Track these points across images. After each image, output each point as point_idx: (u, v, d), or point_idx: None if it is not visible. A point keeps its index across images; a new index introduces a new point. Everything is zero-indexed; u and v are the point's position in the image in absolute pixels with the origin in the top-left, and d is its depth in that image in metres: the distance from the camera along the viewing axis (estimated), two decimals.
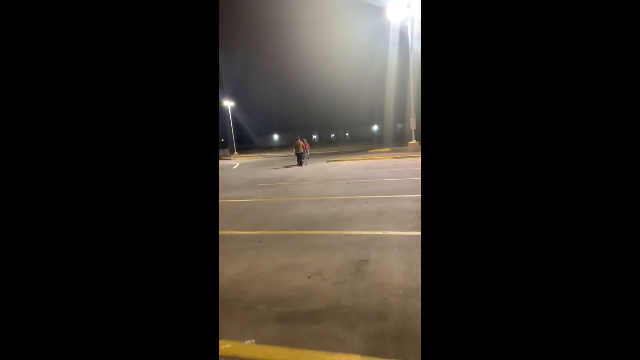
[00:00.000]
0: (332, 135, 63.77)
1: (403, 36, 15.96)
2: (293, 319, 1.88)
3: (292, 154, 14.44)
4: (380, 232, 3.36)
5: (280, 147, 49.04)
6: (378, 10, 14.91)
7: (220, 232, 3.78)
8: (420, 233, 3.15)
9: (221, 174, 11.78)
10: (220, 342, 1.70)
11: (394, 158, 12.44)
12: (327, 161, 13.99)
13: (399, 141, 26.28)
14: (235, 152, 27.75)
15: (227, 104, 28.48)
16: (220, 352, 1.62)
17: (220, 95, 30.08)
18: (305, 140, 12.78)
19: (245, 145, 52.48)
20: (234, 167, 15.49)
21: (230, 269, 2.68)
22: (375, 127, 59.61)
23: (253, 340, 1.70)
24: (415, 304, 1.92)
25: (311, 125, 66.57)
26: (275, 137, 67.92)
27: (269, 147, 50.77)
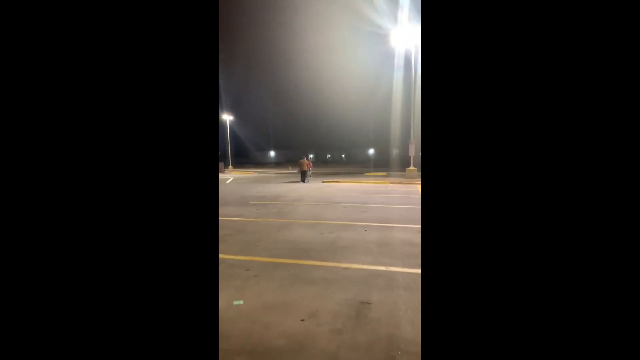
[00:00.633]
0: (328, 156, 64.06)
1: (404, 63, 16.30)
2: None
3: (288, 171, 16.82)
4: (383, 268, 3.02)
5: (276, 164, 48.86)
6: (381, 38, 15.27)
7: None
8: None
9: None
10: None
11: (391, 183, 12.24)
12: (323, 182, 13.72)
13: (394, 166, 26.31)
14: (230, 167, 27.36)
15: (226, 117, 28.44)
16: None
17: (219, 109, 30.09)
18: (309, 160, 14.11)
19: (241, 159, 52.21)
20: (227, 181, 15.11)
21: None
22: (371, 151, 60.17)
23: None
24: None
25: (308, 144, 66.96)
26: (272, 153, 67.98)
27: (264, 163, 50.52)
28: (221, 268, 3.06)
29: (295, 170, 14.73)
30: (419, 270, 2.96)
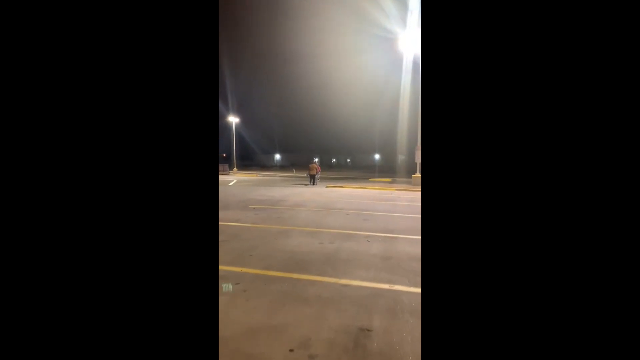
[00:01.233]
0: (334, 160, 63.74)
1: (412, 68, 16.03)
2: None
3: (293, 174, 17.74)
4: (386, 286, 2.73)
5: (280, 167, 48.70)
6: (389, 42, 15.05)
7: None
8: None
9: None
10: None
11: (396, 190, 11.91)
12: (327, 186, 13.45)
13: (400, 173, 25.96)
14: (235, 169, 27.24)
15: (232, 120, 28.39)
16: None
17: (225, 112, 30.07)
18: (317, 164, 15.42)
19: (246, 162, 52.16)
20: (230, 183, 14.92)
21: None
22: (377, 156, 59.79)
23: None
24: None
25: (313, 148, 66.81)
26: (277, 156, 67.98)
27: (269, 166, 50.41)
28: None
29: (300, 174, 16.14)
30: None
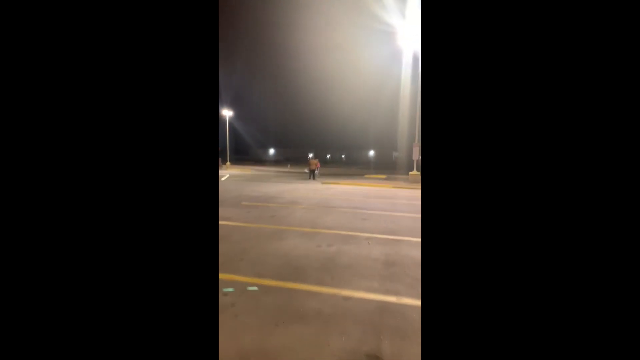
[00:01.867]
0: (328, 156, 63.31)
1: (411, 62, 15.74)
2: None
3: (287, 170, 18.29)
4: (393, 299, 2.43)
5: (275, 162, 48.11)
6: (387, 36, 14.71)
7: None
8: None
9: None
10: None
11: (394, 188, 11.64)
12: (322, 183, 13.13)
13: (395, 169, 25.75)
14: (228, 163, 26.66)
15: (226, 113, 27.75)
16: None
17: (219, 105, 29.39)
18: (317, 160, 16.28)
19: (240, 156, 51.39)
20: (223, 178, 14.50)
21: None
22: (371, 153, 59.60)
23: None
24: None
25: (309, 143, 66.36)
26: (272, 151, 67.25)
27: (263, 161, 49.74)
28: None
29: (294, 170, 16.89)
30: None
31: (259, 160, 51.35)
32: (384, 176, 18.14)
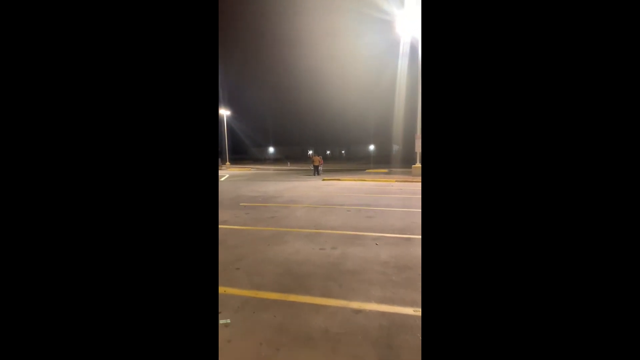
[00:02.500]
0: (328, 152, 62.85)
1: (409, 52, 15.36)
2: None
3: (287, 167, 19.02)
4: (410, 311, 2.13)
5: (274, 160, 47.71)
6: (385, 25, 14.31)
7: None
8: None
9: None
10: None
11: (396, 182, 11.32)
12: (323, 179, 12.82)
13: (396, 163, 25.39)
14: (227, 163, 26.32)
15: (224, 112, 27.33)
16: None
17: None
18: (320, 156, 16.76)
19: (239, 155, 51.00)
20: (222, 179, 14.19)
21: None
22: (371, 147, 59.13)
23: None
24: None
25: (308, 140, 65.91)
26: (271, 149, 66.80)
27: (263, 160, 49.37)
28: None
29: (294, 167, 17.58)
30: None
31: (258, 159, 51.02)
32: (385, 170, 17.86)
